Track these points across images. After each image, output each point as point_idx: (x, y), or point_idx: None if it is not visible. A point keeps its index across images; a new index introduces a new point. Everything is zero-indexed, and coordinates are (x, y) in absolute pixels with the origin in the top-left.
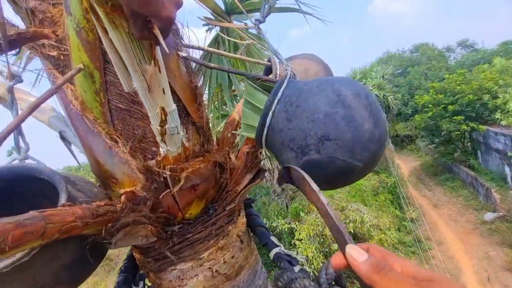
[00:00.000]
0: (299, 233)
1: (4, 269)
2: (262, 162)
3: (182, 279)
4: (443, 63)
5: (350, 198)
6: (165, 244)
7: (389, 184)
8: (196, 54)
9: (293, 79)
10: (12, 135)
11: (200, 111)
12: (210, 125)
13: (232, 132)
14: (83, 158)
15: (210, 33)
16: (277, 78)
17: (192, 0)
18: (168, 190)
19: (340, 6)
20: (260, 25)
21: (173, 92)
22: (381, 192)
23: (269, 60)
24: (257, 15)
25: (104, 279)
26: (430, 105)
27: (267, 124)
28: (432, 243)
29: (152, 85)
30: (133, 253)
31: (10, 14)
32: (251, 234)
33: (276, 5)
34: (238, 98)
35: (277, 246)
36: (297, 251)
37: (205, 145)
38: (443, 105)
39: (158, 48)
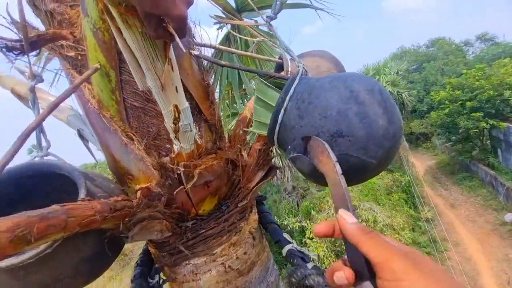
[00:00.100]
0: (310, 232)
1: (29, 259)
2: (273, 160)
3: (196, 274)
4: (460, 58)
5: (362, 197)
6: (179, 239)
7: (403, 183)
8: (208, 53)
9: (305, 76)
10: (34, 133)
11: (212, 109)
12: (222, 122)
13: (244, 129)
14: (99, 156)
15: (221, 31)
16: (289, 75)
17: None
18: (182, 186)
19: (353, 1)
20: (272, 22)
21: (186, 90)
22: (395, 191)
23: (280, 57)
24: (268, 11)
25: (119, 274)
26: (446, 102)
27: (279, 121)
28: (448, 244)
29: (165, 84)
30: (149, 248)
31: (30, 17)
32: (263, 231)
33: (288, 1)
34: (248, 96)
35: (290, 243)
36: (308, 249)
37: (217, 142)
38: (461, 102)
39: (171, 47)
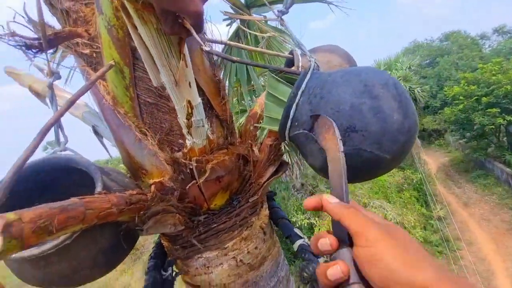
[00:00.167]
0: (319, 229)
1: (49, 250)
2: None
3: (208, 267)
4: (476, 52)
5: (372, 194)
6: (192, 233)
7: (414, 181)
8: (218, 49)
9: (317, 71)
10: (52, 128)
11: (223, 105)
12: (233, 118)
13: (255, 125)
14: (113, 152)
15: (230, 27)
16: (300, 70)
17: None
18: (194, 181)
19: None
20: (283, 17)
21: (197, 86)
22: (406, 189)
23: (291, 53)
24: (279, 6)
25: (130, 267)
26: (461, 97)
27: (290, 117)
28: (461, 243)
29: (179, 80)
30: (162, 241)
31: (46, 16)
32: (274, 227)
33: None
34: (256, 93)
35: (301, 238)
36: None
37: (229, 138)
38: (476, 97)
39: (185, 43)
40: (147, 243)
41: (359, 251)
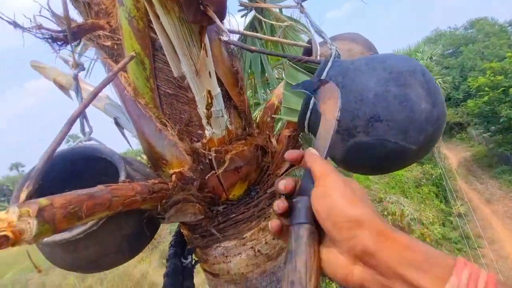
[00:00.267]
0: None
1: (78, 235)
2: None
3: (226, 256)
4: (504, 40)
5: (389, 189)
6: (211, 222)
7: (433, 176)
8: (233, 39)
9: (338, 59)
10: (77, 119)
11: (241, 95)
12: (251, 109)
13: (272, 116)
14: (133, 143)
15: (245, 18)
16: (321, 59)
17: None
18: (213, 171)
19: None
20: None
21: (216, 76)
22: (425, 184)
23: (309, 42)
24: None
25: (148, 256)
26: (486, 89)
27: (310, 107)
28: (483, 241)
29: (200, 69)
30: (181, 230)
31: (69, 9)
32: None
33: None
34: (270, 85)
35: None
36: None
37: (247, 129)
38: (503, 88)
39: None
40: (163, 233)
41: (316, 190)
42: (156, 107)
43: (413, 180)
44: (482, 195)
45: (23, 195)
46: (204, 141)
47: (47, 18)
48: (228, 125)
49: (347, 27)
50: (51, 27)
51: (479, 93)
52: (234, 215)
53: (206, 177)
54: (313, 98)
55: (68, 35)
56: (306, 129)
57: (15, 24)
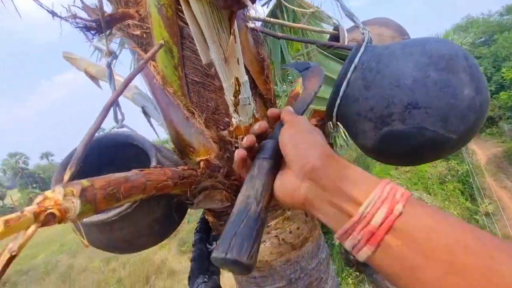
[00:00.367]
0: None
1: (113, 217)
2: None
3: None
4: None
5: (411, 185)
6: None
7: (459, 172)
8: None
9: (371, 44)
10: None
11: (267, 84)
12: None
13: None
14: (159, 132)
15: (267, 7)
16: (352, 44)
17: None
18: None
19: None
20: None
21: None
22: (449, 180)
23: (335, 28)
24: None
25: (168, 243)
26: None
27: (340, 94)
28: None
29: (228, 56)
30: (205, 216)
31: None
32: None
33: None
34: (289, 77)
35: None
36: None
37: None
38: None
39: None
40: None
41: (284, 127)
42: (184, 95)
43: (437, 176)
44: None
45: (66, 176)
46: (231, 129)
47: (79, 8)
48: (255, 113)
49: (368, 14)
50: (84, 17)
51: None
52: None
53: (233, 165)
54: (343, 86)
55: (102, 24)
56: (334, 118)
57: (53, 13)
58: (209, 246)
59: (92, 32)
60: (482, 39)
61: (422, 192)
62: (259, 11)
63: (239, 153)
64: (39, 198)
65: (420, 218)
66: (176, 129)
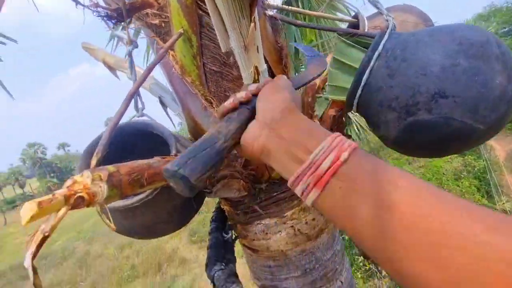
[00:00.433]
0: None
1: (136, 203)
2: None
3: (266, 233)
4: None
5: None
6: (254, 199)
7: (476, 169)
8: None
9: (395, 31)
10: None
11: (285, 73)
12: None
13: (317, 96)
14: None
15: None
16: (375, 32)
17: None
18: None
19: None
20: None
21: None
22: (465, 177)
23: (354, 16)
24: None
25: (179, 233)
26: None
27: (362, 83)
28: None
29: (248, 44)
30: (221, 206)
31: None
32: None
33: None
34: (302, 68)
35: None
36: None
37: None
38: None
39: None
40: None
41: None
42: (202, 84)
43: (453, 172)
44: None
45: (93, 162)
46: None
47: None
48: None
49: (384, 4)
50: (105, 6)
51: None
52: (276, 193)
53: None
54: (365, 74)
55: (124, 13)
56: (354, 108)
57: (77, 2)
58: (225, 235)
59: (113, 21)
60: (506, 29)
61: None
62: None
63: (231, 103)
64: (68, 182)
65: (362, 164)
66: (194, 118)
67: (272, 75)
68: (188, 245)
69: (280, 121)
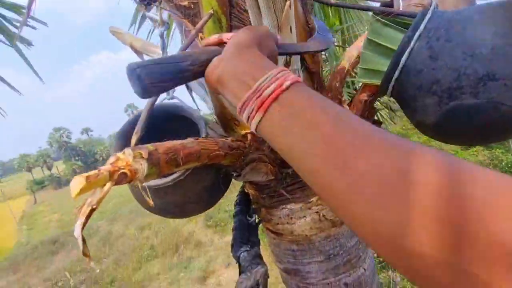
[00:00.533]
0: None
1: (169, 183)
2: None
3: (291, 218)
4: None
5: None
6: (280, 183)
7: (503, 163)
8: None
9: (438, 10)
10: None
11: (315, 57)
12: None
13: (347, 79)
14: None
15: None
16: (416, 11)
17: None
18: None
19: None
20: None
21: None
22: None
23: None
24: None
25: (195, 217)
26: None
27: (400, 65)
28: None
29: (282, 23)
30: (245, 190)
31: None
32: None
33: None
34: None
35: None
36: None
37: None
38: None
39: None
40: None
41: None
42: None
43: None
44: None
45: (133, 140)
46: None
47: None
48: None
49: None
50: None
51: None
52: (301, 179)
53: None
54: (404, 55)
55: None
56: (389, 92)
57: None
58: (249, 218)
59: (145, 2)
60: None
61: None
62: None
63: (216, 38)
64: (112, 159)
65: (301, 92)
66: (221, 102)
67: (301, 58)
68: (204, 229)
69: (236, 54)
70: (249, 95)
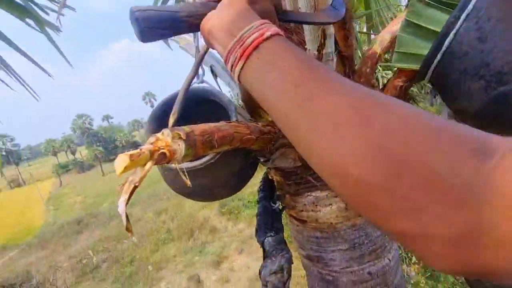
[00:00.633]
0: None
1: (199, 166)
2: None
3: (316, 205)
4: None
5: None
6: (307, 170)
7: None
8: None
9: None
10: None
11: (348, 40)
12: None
13: (379, 64)
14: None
15: None
16: None
17: None
18: None
19: None
20: None
21: None
22: None
23: None
24: None
25: (210, 204)
26: None
27: (443, 48)
28: None
29: (319, 4)
30: (269, 176)
31: None
32: None
33: None
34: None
35: None
36: None
37: (350, 77)
38: None
39: None
40: None
41: None
42: None
43: None
44: None
45: (171, 121)
46: None
47: None
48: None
49: None
50: None
51: None
52: None
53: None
54: (449, 37)
55: None
56: (428, 77)
57: None
58: (273, 205)
59: None
60: None
61: None
62: None
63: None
64: (152, 139)
65: (280, 43)
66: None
67: (334, 40)
68: (218, 215)
69: (226, 8)
70: (233, 44)
